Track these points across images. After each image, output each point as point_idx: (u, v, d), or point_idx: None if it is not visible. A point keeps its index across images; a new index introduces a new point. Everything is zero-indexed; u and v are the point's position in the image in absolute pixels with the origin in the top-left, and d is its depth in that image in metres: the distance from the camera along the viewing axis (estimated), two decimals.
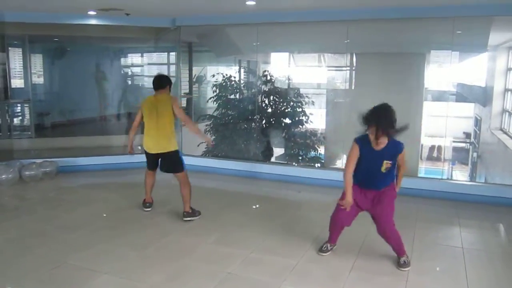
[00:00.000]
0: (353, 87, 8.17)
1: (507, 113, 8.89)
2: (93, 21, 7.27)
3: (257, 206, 5.58)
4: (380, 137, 3.56)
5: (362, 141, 3.71)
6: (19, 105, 8.73)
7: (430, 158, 11.35)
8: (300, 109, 8.87)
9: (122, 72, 11.88)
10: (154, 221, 4.98)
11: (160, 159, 5.09)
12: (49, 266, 3.77)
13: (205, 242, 4.37)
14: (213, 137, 8.89)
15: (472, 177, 10.02)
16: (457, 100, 8.55)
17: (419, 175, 8.51)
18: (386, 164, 3.64)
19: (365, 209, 3.89)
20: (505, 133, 8.76)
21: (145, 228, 4.75)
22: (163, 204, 5.63)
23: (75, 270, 3.72)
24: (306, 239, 4.41)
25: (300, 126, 8.91)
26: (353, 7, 6.06)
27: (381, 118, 3.55)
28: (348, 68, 7.85)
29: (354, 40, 6.96)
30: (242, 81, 9.50)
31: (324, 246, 4.10)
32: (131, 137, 5.24)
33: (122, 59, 11.76)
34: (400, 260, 3.84)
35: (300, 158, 8.90)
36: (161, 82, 5.09)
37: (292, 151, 8.99)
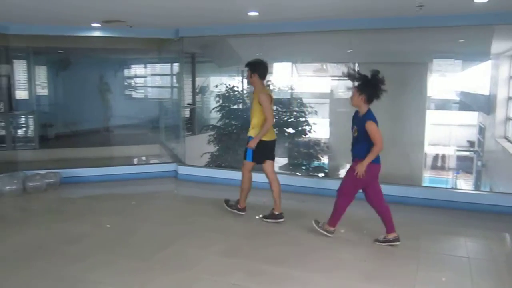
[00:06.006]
0: None
1: (511, 121, 8.86)
2: (96, 33, 7.31)
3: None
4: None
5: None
6: (23, 116, 8.77)
7: (434, 167, 11.30)
8: (303, 119, 8.86)
9: (125, 83, 11.94)
10: (157, 232, 4.96)
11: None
12: (51, 278, 3.75)
13: (209, 253, 4.34)
14: (217, 147, 8.90)
15: (476, 186, 9.94)
16: (460, 109, 8.52)
17: (424, 184, 8.49)
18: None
19: None
20: (509, 141, 8.71)
21: (148, 239, 4.74)
22: (167, 213, 5.64)
23: (78, 282, 3.70)
24: (310, 249, 4.39)
25: (303, 136, 8.90)
26: (356, 17, 6.07)
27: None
28: None
29: (357, 50, 6.97)
30: (245, 91, 9.51)
31: None
32: None
33: (126, 70, 11.84)
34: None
35: (304, 167, 8.88)
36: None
37: (295, 161, 8.97)
